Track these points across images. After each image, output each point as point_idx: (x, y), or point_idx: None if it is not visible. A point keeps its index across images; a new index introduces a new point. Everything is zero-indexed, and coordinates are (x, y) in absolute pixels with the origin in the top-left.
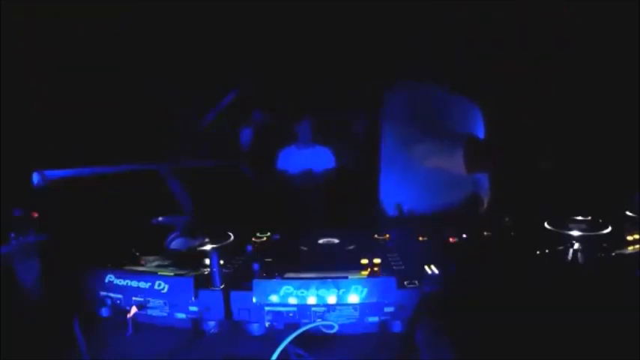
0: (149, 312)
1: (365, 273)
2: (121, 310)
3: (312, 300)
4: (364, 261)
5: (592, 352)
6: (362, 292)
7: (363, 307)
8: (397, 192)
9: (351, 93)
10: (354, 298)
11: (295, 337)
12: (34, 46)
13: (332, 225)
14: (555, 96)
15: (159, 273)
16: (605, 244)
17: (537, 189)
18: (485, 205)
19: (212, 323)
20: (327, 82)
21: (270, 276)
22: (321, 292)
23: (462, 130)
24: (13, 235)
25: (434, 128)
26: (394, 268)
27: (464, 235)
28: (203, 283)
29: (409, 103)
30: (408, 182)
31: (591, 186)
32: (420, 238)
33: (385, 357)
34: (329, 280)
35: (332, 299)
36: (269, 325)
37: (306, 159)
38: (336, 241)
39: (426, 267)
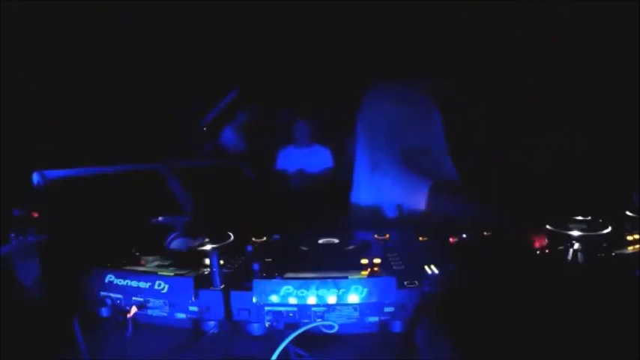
0: (149, 312)
1: (365, 273)
2: (121, 310)
3: (312, 300)
4: (364, 261)
5: (592, 352)
6: (362, 292)
7: (363, 307)
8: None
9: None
10: (354, 298)
11: (295, 337)
12: (34, 47)
13: (329, 224)
14: (555, 96)
15: (159, 273)
16: (605, 244)
17: (537, 189)
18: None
19: (212, 323)
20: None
21: (270, 276)
22: (321, 292)
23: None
24: (13, 235)
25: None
26: (394, 268)
27: (464, 235)
28: (203, 283)
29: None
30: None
31: (591, 186)
32: (420, 238)
33: (385, 357)
34: (329, 280)
35: (332, 299)
36: (269, 325)
37: (305, 159)
38: (336, 241)
39: (426, 267)
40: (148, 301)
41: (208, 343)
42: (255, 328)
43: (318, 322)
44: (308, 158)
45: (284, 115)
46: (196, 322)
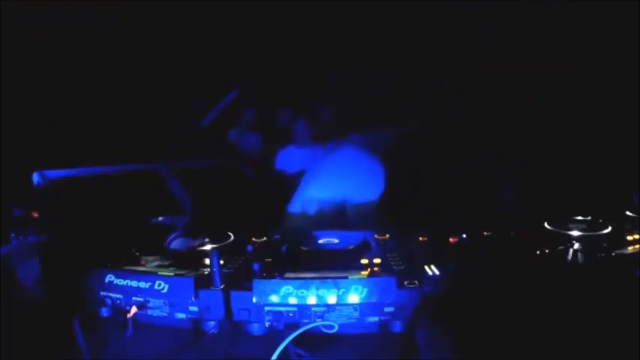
0: (149, 312)
1: (365, 273)
2: (121, 310)
3: (312, 300)
4: (364, 261)
5: (592, 352)
6: (362, 292)
7: (363, 307)
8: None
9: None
10: (354, 298)
11: (295, 337)
12: (34, 47)
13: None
14: (555, 96)
15: (159, 273)
16: (605, 244)
17: (538, 189)
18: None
19: (212, 323)
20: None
21: (270, 276)
22: (321, 292)
23: None
24: (13, 235)
25: None
26: (394, 268)
27: (464, 235)
28: (203, 283)
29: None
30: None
31: (591, 186)
32: (420, 238)
33: (385, 357)
34: (329, 280)
35: (332, 299)
36: (269, 325)
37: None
38: (336, 241)
39: (426, 267)
40: (148, 301)
41: (208, 343)
42: (255, 328)
43: (318, 322)
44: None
45: (284, 115)
46: (196, 322)
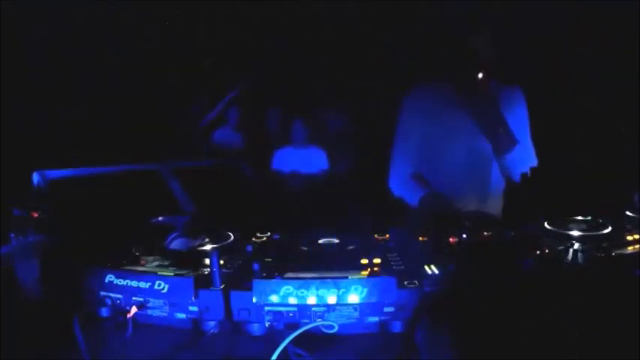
0: (149, 312)
1: (365, 273)
2: (121, 310)
3: (312, 300)
4: (364, 261)
5: (592, 353)
6: (362, 292)
7: (363, 307)
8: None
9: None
10: (354, 298)
11: (295, 337)
12: (34, 47)
13: (332, 225)
14: (556, 96)
15: (159, 273)
16: (605, 244)
17: (537, 189)
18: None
19: (212, 323)
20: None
21: (270, 276)
22: (321, 292)
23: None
24: (13, 235)
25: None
26: (394, 268)
27: (464, 235)
28: (203, 283)
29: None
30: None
31: (591, 186)
32: (420, 238)
33: (385, 357)
34: (329, 280)
35: (332, 299)
36: (269, 325)
37: (301, 160)
38: (336, 241)
39: (426, 267)
40: (148, 301)
41: (208, 343)
42: (255, 328)
43: (318, 322)
44: (305, 159)
45: (280, 115)
46: (196, 322)
